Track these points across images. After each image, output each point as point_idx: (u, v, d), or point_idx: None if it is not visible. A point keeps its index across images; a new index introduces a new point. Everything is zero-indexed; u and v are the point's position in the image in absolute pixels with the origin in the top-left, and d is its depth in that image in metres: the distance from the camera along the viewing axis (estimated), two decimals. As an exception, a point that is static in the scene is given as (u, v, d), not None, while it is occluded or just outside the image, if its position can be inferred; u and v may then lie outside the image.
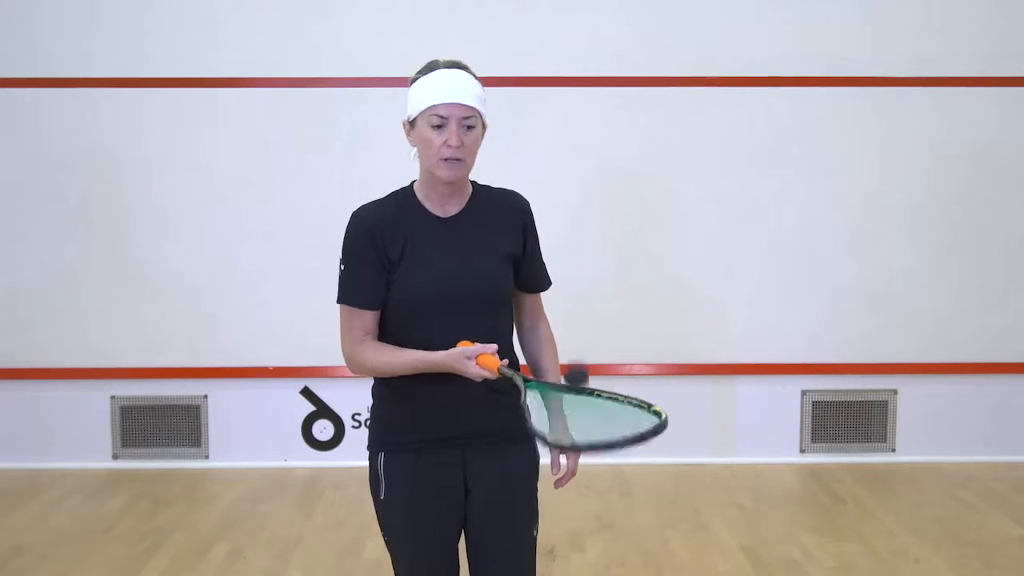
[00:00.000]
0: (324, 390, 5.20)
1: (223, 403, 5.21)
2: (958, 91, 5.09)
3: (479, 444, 2.37)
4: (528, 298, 2.53)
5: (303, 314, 5.08)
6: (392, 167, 5.33)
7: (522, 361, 2.52)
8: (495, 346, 2.21)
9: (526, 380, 2.18)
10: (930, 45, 5.07)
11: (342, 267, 2.39)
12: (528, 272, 2.48)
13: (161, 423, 5.20)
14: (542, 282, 2.53)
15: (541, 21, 5.03)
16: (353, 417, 5.20)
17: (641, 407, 2.12)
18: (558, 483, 2.44)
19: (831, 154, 5.12)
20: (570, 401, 2.16)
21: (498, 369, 2.18)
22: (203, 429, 5.21)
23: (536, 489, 2.49)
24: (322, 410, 5.21)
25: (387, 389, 2.41)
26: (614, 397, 2.18)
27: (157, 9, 5.03)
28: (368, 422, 2.51)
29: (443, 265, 2.33)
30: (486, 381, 2.23)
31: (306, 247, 5.07)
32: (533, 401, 2.15)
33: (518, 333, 2.55)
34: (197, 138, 5.08)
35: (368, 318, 2.37)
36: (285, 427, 5.21)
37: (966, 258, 5.17)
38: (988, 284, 5.18)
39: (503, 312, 2.42)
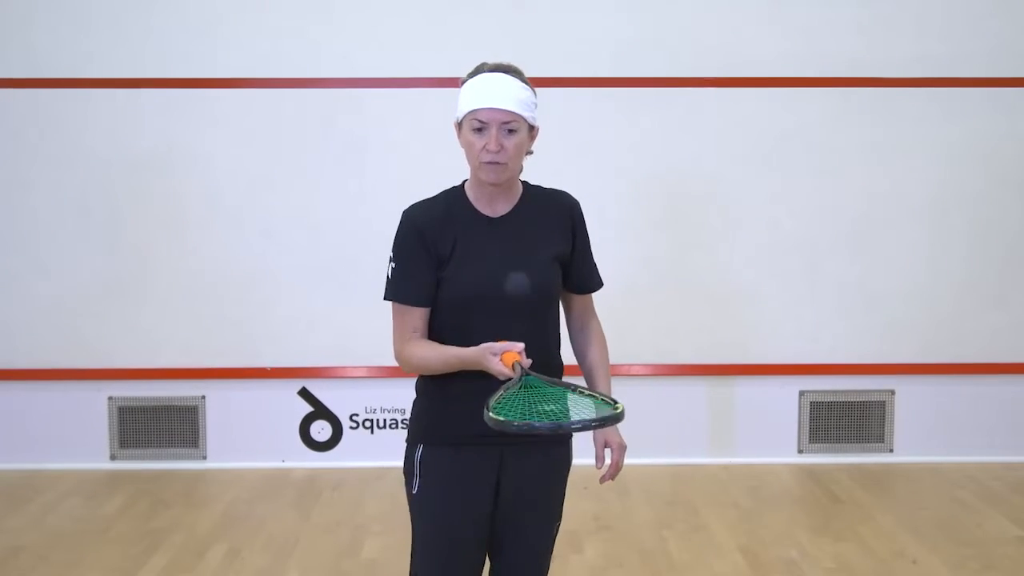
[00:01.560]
0: (322, 391, 5.19)
1: (221, 404, 5.20)
2: (958, 92, 5.09)
3: (519, 443, 2.36)
4: (578, 299, 2.54)
5: (301, 315, 5.07)
6: (391, 167, 5.34)
7: (571, 361, 2.53)
8: (522, 344, 2.21)
9: (526, 375, 2.18)
10: (930, 45, 5.07)
11: (392, 265, 2.40)
12: (578, 272, 2.49)
13: (159, 424, 5.20)
14: (592, 283, 2.54)
15: (540, 21, 5.03)
16: (351, 418, 5.20)
17: (607, 402, 2.17)
18: (603, 479, 2.47)
19: (830, 154, 5.12)
20: (548, 393, 2.17)
21: (512, 365, 2.18)
22: (201, 430, 5.20)
23: (565, 489, 2.52)
24: (320, 411, 5.21)
25: (431, 384, 2.42)
26: (588, 392, 2.21)
27: (157, 9, 5.03)
28: (409, 418, 2.53)
29: (491, 264, 2.35)
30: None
31: (304, 247, 5.07)
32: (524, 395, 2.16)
33: (569, 334, 2.57)
34: (196, 138, 5.07)
35: (417, 315, 2.38)
36: (283, 428, 5.21)
37: (964, 258, 5.17)
38: (986, 284, 5.18)
39: (550, 312, 2.44)
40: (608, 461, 2.47)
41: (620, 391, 5.62)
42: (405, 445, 2.48)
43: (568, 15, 5.04)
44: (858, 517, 4.48)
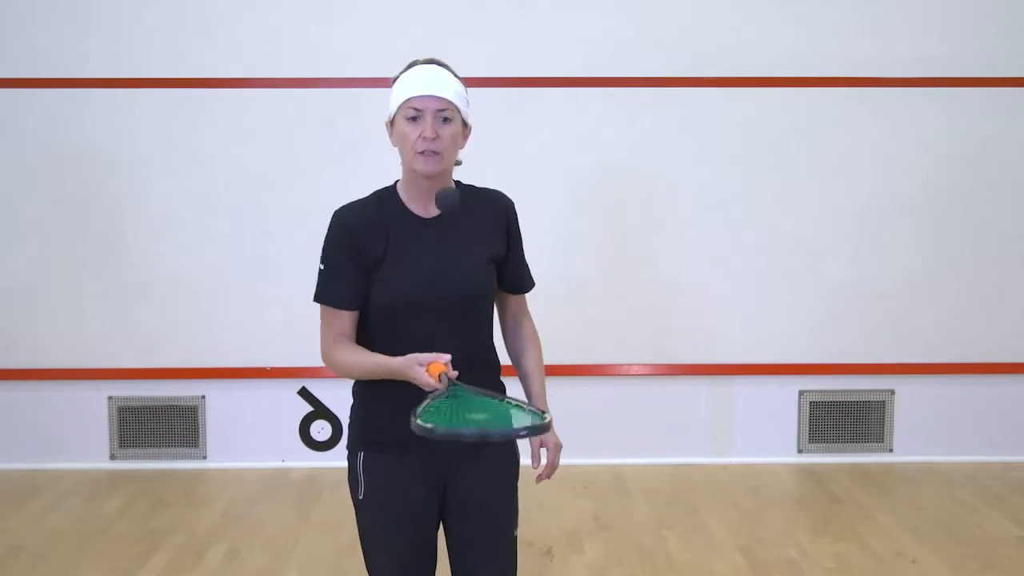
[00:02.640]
0: (322, 391, 5.19)
1: (221, 404, 5.20)
2: (957, 91, 5.09)
3: (461, 448, 2.32)
4: (512, 299, 2.53)
5: (301, 314, 5.00)
6: (390, 167, 5.32)
7: (505, 361, 2.52)
8: (448, 356, 2.18)
9: (453, 385, 2.14)
10: (929, 45, 5.07)
11: (321, 266, 2.38)
12: (512, 273, 2.48)
13: (159, 424, 5.20)
14: (525, 283, 2.53)
15: (540, 21, 5.02)
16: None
17: (534, 412, 2.11)
18: (539, 478, 2.45)
19: (830, 154, 5.12)
20: (476, 403, 2.13)
21: (438, 376, 2.14)
22: (201, 430, 5.20)
23: (516, 489, 2.48)
24: (320, 411, 5.21)
25: (367, 388, 2.40)
26: (516, 403, 2.16)
27: (155, 9, 5.02)
28: (348, 423, 2.51)
29: (424, 266, 2.32)
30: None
31: (304, 247, 5.02)
32: (451, 403, 2.12)
33: (503, 334, 2.56)
34: (195, 138, 5.07)
35: (344, 318, 2.36)
36: (283, 428, 5.21)
37: (964, 259, 5.17)
38: (986, 285, 5.18)
39: (484, 313, 2.42)
40: (544, 461, 2.45)
41: (620, 391, 5.65)
42: (347, 452, 2.45)
43: (568, 15, 5.04)
44: (858, 517, 4.48)
